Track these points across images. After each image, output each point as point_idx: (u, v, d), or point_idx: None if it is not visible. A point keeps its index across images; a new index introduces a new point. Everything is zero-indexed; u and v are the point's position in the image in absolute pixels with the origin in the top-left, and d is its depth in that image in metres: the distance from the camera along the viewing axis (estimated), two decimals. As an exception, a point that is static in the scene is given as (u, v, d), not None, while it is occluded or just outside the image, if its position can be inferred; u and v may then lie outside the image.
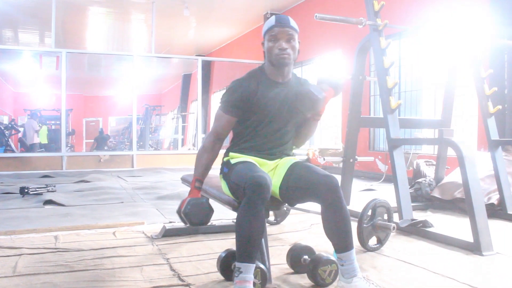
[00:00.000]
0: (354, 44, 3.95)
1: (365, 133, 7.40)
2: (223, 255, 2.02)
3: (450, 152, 3.93)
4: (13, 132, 13.59)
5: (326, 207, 1.82)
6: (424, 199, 4.15)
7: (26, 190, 4.65)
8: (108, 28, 12.14)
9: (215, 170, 2.11)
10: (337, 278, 1.95)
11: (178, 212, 1.95)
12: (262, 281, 1.83)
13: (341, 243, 1.83)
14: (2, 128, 12.79)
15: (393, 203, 2.82)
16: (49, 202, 4.23)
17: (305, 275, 2.05)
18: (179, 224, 3.11)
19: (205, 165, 2.00)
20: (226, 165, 2.03)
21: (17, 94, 19.49)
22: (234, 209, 1.95)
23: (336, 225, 1.82)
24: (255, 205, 1.70)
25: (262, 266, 1.84)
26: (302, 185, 1.88)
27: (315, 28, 8.70)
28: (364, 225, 2.56)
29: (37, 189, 4.78)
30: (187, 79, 16.24)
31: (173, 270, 2.21)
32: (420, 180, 4.29)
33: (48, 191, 4.85)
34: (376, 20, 3.37)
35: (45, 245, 2.65)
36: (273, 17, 1.98)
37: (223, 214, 3.35)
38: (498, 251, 2.56)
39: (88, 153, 12.74)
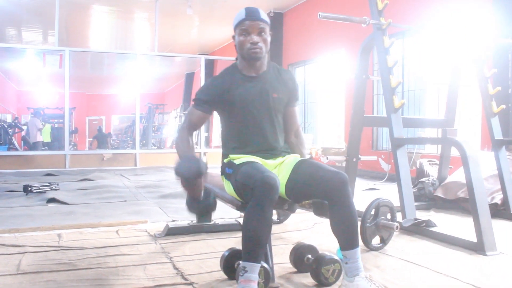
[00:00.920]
0: (358, 43, 3.94)
1: (368, 132, 7.38)
2: (226, 254, 2.03)
3: (454, 152, 3.92)
4: (16, 130, 13.62)
5: (334, 203, 1.80)
6: (427, 198, 4.14)
7: (29, 188, 4.66)
8: (111, 26, 12.16)
9: (217, 169, 2.11)
10: (341, 277, 1.95)
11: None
12: (265, 280, 1.83)
13: (347, 240, 1.82)
14: (6, 126, 12.83)
15: (396, 203, 2.81)
16: (52, 200, 4.24)
17: (308, 274, 2.05)
18: (182, 223, 3.12)
19: (192, 149, 1.99)
20: (228, 165, 2.01)
21: (20, 93, 19.53)
22: (238, 208, 1.94)
23: (343, 221, 1.80)
24: (263, 205, 1.69)
25: (265, 265, 1.85)
26: (310, 181, 1.85)
27: (318, 27, 8.69)
28: (367, 225, 2.56)
29: (40, 188, 4.80)
30: (190, 78, 16.24)
31: (176, 268, 2.21)
32: (423, 179, 4.28)
33: (51, 190, 4.86)
34: (380, 19, 3.36)
35: (49, 243, 2.66)
36: (243, 9, 1.97)
37: (226, 213, 3.36)
38: (501, 251, 2.56)
39: (91, 151, 12.77)
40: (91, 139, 16.58)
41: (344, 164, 3.90)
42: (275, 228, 3.12)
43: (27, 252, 2.48)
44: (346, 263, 1.82)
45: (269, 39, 1.98)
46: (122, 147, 15.32)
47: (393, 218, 2.65)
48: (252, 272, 1.71)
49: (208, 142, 12.84)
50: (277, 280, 2.00)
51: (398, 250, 2.60)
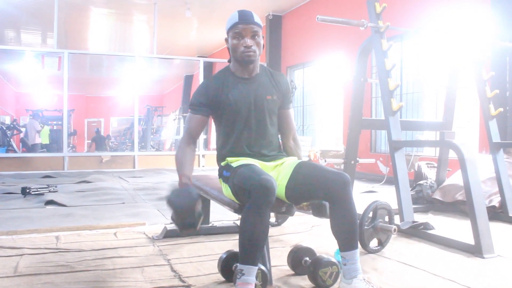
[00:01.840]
0: (356, 46, 3.95)
1: (367, 135, 7.40)
2: (224, 256, 2.03)
3: (452, 154, 3.93)
4: (15, 132, 13.61)
5: (335, 203, 1.80)
6: (425, 201, 4.15)
7: (27, 190, 4.65)
8: (110, 29, 12.16)
9: (215, 171, 2.11)
10: (339, 280, 1.95)
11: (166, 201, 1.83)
12: (263, 282, 1.83)
13: (347, 241, 1.82)
14: (4, 128, 12.81)
15: (394, 205, 2.82)
16: (50, 202, 4.24)
17: (306, 276, 2.05)
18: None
19: (189, 162, 1.94)
20: (226, 168, 2.01)
21: (19, 95, 19.51)
22: (235, 210, 1.95)
23: (344, 222, 1.80)
24: (260, 208, 1.69)
25: (263, 267, 1.85)
26: (312, 182, 1.85)
27: (317, 30, 8.71)
28: (365, 227, 2.56)
29: (38, 189, 4.79)
30: (188, 80, 16.23)
31: (174, 271, 2.21)
32: (421, 182, 4.29)
33: (49, 192, 4.86)
34: (378, 22, 3.37)
35: (47, 246, 2.66)
36: (236, 13, 1.97)
37: (224, 216, 3.36)
38: (499, 253, 2.56)
39: (89, 153, 12.76)
40: (90, 141, 16.56)
41: (342, 167, 3.90)
42: (273, 231, 3.12)
43: (24, 254, 2.48)
44: (345, 264, 1.82)
45: (262, 42, 2.00)
46: (121, 149, 15.30)
47: (391, 221, 2.65)
48: (249, 275, 1.71)
49: (206, 144, 12.84)
50: (274, 283, 2.00)
51: (396, 252, 2.60)
